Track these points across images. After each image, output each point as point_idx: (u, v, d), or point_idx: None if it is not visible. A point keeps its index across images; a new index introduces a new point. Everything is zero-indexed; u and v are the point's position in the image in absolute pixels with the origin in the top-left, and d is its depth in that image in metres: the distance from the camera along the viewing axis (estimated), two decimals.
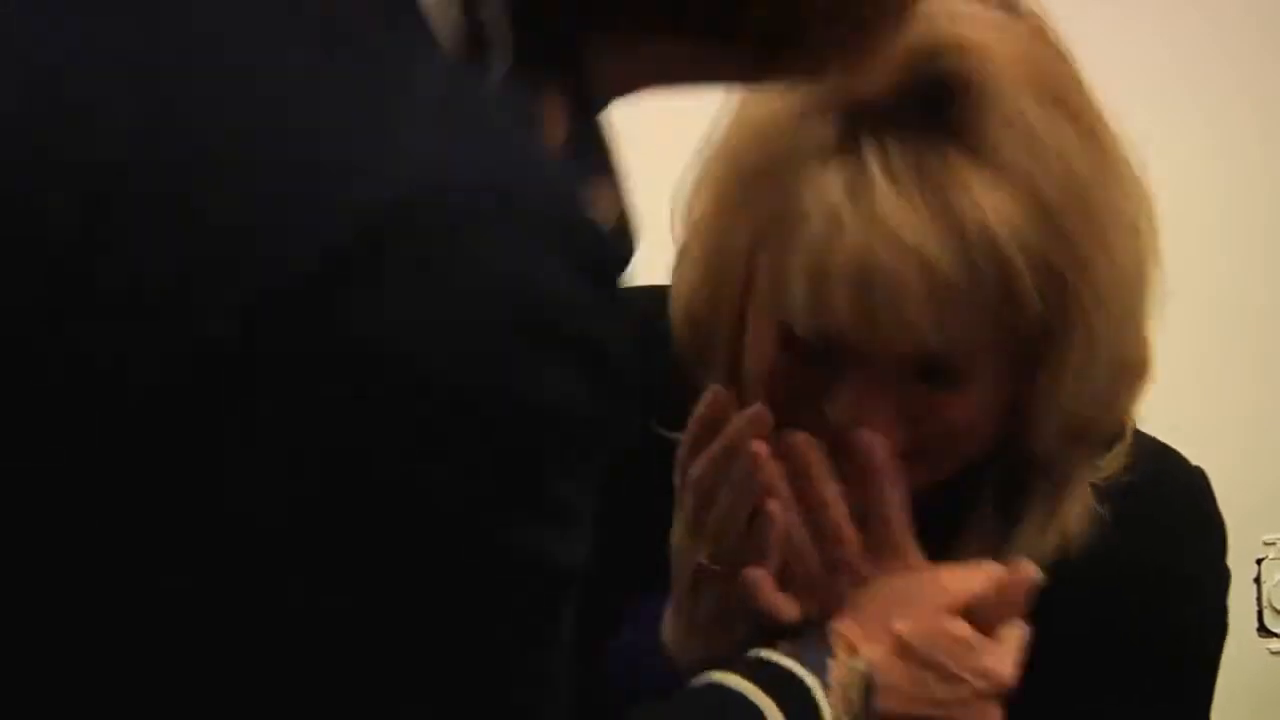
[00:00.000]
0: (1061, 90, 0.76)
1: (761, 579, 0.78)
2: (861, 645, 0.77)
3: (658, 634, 0.84)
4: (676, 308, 0.83)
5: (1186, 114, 1.70)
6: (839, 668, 0.77)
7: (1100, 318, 0.77)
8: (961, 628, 0.77)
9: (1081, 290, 0.76)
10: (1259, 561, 1.88)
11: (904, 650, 0.77)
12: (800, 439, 0.78)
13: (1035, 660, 0.80)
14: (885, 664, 0.77)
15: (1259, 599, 1.88)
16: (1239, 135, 1.72)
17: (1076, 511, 0.82)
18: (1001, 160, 0.73)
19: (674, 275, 0.84)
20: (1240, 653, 1.65)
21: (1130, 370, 0.82)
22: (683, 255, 0.84)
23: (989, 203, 0.72)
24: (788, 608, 0.79)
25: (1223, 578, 0.91)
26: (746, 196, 0.78)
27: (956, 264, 0.73)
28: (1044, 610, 0.79)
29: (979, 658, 0.77)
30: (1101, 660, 0.85)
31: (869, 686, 0.77)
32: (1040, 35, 0.78)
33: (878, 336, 0.75)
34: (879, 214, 0.72)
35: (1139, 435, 0.86)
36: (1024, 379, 0.79)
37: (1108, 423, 0.83)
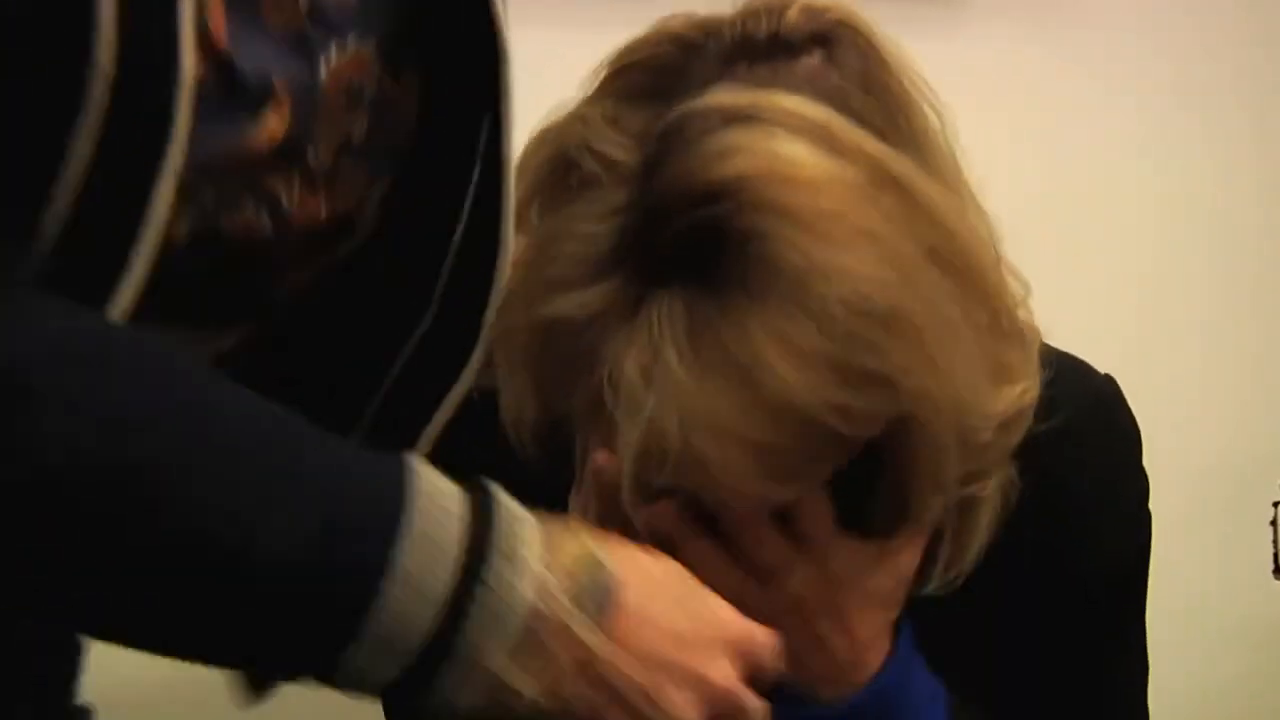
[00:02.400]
0: (857, 211, 0.69)
1: None
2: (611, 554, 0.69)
3: None
4: (516, 432, 0.80)
5: (1184, 114, 1.70)
6: (571, 543, 0.68)
7: (932, 409, 0.73)
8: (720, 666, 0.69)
9: (906, 400, 0.71)
10: (1275, 504, 1.97)
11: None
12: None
13: (972, 600, 0.80)
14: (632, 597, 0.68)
15: (1275, 542, 1.96)
16: (1234, 136, 1.72)
17: (988, 521, 0.80)
18: (786, 313, 0.68)
19: (502, 396, 0.79)
20: (1255, 595, 1.75)
21: (997, 414, 0.77)
22: (504, 382, 0.80)
23: (783, 367, 0.68)
24: None
25: (1140, 486, 0.90)
26: (544, 353, 0.75)
27: (765, 432, 0.70)
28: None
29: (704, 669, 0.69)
30: (1031, 590, 0.84)
31: (604, 583, 0.67)
32: (841, 150, 0.70)
33: (724, 496, 0.74)
34: (680, 401, 0.69)
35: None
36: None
37: (997, 455, 0.79)
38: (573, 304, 0.72)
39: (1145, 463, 0.92)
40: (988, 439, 0.76)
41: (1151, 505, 0.93)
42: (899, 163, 0.72)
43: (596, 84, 0.78)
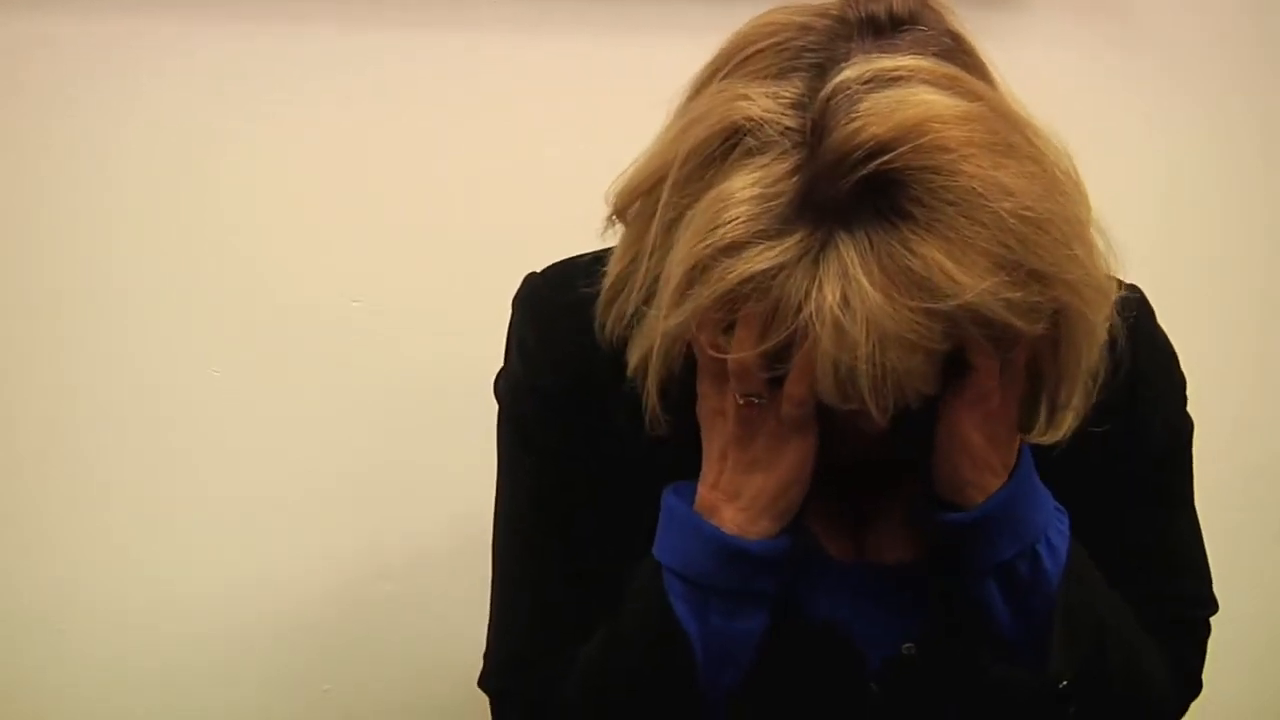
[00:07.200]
0: (1000, 139, 0.82)
1: None
2: None
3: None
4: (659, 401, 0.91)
5: (1186, 113, 1.69)
6: None
7: (1085, 299, 0.86)
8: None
9: (1064, 292, 0.84)
10: None
11: None
12: None
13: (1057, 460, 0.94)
14: None
15: None
16: (1239, 137, 1.71)
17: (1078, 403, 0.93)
18: (960, 230, 0.80)
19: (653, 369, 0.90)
20: None
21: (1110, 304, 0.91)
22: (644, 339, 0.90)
23: (962, 278, 0.80)
24: None
25: (1178, 384, 1.08)
26: (726, 302, 0.84)
27: (951, 338, 0.83)
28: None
29: None
30: (1106, 452, 0.99)
31: None
32: (970, 94, 0.84)
33: (899, 401, 0.84)
34: (876, 321, 0.80)
35: None
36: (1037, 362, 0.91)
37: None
38: (764, 258, 0.82)
39: None
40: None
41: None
42: (1008, 102, 0.87)
43: (723, 71, 0.89)
